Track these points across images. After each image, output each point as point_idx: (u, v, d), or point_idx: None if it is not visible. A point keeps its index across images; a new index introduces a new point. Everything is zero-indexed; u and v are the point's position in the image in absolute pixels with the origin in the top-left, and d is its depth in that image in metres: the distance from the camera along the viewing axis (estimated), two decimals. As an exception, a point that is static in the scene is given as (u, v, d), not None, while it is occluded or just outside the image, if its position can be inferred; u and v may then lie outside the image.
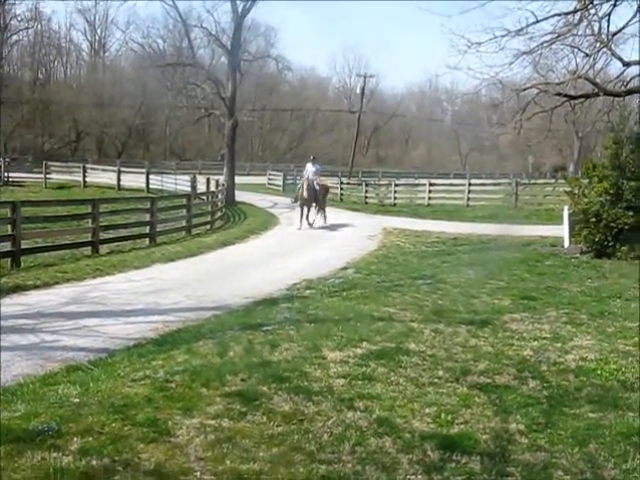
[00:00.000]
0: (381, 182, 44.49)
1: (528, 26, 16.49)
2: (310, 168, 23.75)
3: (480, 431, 4.96)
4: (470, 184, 34.11)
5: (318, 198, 23.34)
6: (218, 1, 54.98)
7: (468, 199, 32.14)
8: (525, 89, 18.73)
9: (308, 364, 6.39)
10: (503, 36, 16.68)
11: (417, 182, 43.67)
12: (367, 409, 5.26)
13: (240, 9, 33.16)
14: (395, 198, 34.96)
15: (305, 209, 22.95)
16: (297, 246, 18.28)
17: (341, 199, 38.31)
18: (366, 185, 39.34)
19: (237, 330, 8.16)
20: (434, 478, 4.19)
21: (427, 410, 5.31)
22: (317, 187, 23.24)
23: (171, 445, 4.45)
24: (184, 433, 4.65)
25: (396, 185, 37.08)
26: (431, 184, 35.35)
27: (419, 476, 4.21)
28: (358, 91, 65.45)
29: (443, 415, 5.20)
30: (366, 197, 37.01)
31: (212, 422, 4.86)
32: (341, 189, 39.92)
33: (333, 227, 23.40)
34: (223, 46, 35.58)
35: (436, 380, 6.07)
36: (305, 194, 22.70)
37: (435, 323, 8.35)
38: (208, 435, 4.62)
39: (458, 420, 5.14)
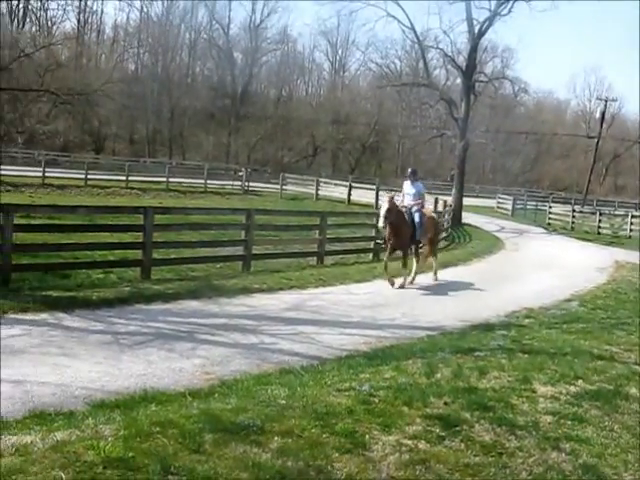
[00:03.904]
0: (617, 212, 41.76)
1: None
2: (408, 189, 14.92)
3: None
4: None
5: (418, 236, 14.40)
6: (455, 22, 55.06)
7: None
8: None
9: (516, 396, 6.12)
10: None
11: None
12: (573, 452, 4.91)
13: (477, 30, 32.98)
14: (631, 230, 32.63)
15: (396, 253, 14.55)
16: (521, 273, 17.65)
17: (572, 228, 36.56)
18: (600, 214, 37.22)
19: (448, 352, 8.05)
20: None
21: (642, 464, 4.85)
22: (418, 219, 14.32)
23: (365, 459, 4.47)
24: (379, 449, 4.65)
25: (633, 217, 34.57)
26: (674, 217, 32.60)
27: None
28: (598, 115, 62.13)
29: (660, 472, 4.72)
30: (599, 227, 34.97)
31: (409, 442, 4.82)
32: (573, 217, 38.11)
33: (559, 256, 22.31)
34: (458, 67, 35.53)
35: (657, 432, 5.54)
36: (389, 229, 13.88)
37: (664, 369, 7.63)
38: (403, 454, 4.59)
39: (678, 480, 4.64)
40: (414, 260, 14.81)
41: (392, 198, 13.96)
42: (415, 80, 54.61)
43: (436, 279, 15.07)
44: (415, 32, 36.24)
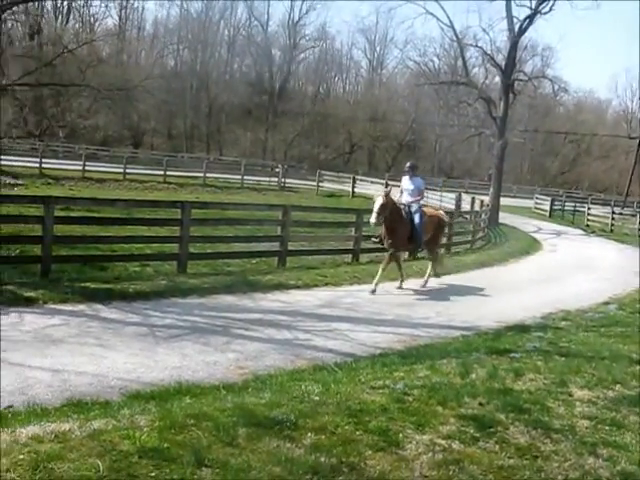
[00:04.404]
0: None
1: None
2: (407, 185, 13.61)
3: None
4: None
5: (417, 237, 13.15)
6: (495, 20, 54.19)
7: None
8: None
9: (552, 399, 6.04)
10: None
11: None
12: (611, 458, 4.81)
13: (517, 28, 32.58)
14: (673, 233, 32.07)
15: (394, 257, 13.14)
16: (558, 275, 17.44)
17: (612, 230, 36.04)
18: (641, 216, 36.68)
19: (483, 353, 7.99)
20: None
21: (683, 471, 4.74)
22: (418, 220, 13.11)
23: (398, 457, 4.45)
24: (413, 448, 4.63)
25: (675, 219, 34.00)
26: None
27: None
28: (640, 115, 61.05)
29: (701, 480, 4.61)
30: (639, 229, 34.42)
31: (442, 442, 4.78)
32: (612, 219, 37.56)
33: (597, 258, 21.99)
34: (497, 65, 35.12)
35: (698, 439, 5.41)
36: (384, 227, 12.87)
37: None
38: (436, 454, 4.56)
39: None
40: (429, 262, 14.24)
41: (388, 193, 12.75)
42: (453, 78, 54.15)
43: (424, 285, 13.71)
44: (454, 30, 35.98)
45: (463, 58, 39.70)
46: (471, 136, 54.14)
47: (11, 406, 5.43)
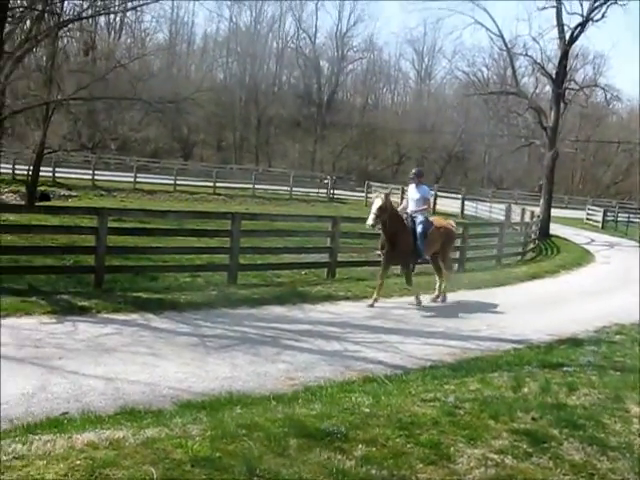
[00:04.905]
0: None
1: None
2: (413, 193, 12.74)
3: None
4: None
5: (418, 248, 12.17)
6: (545, 29, 53.41)
7: None
8: None
9: (607, 415, 5.91)
10: None
11: None
12: (671, 478, 4.69)
13: (568, 36, 32.08)
14: None
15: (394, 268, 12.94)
16: (612, 286, 17.07)
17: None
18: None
19: (535, 367, 7.87)
20: None
21: None
22: (421, 229, 12.15)
23: (449, 471, 4.41)
24: (464, 462, 4.58)
25: None
26: None
27: None
28: (699, 124, 59.48)
29: None
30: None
31: (495, 456, 4.72)
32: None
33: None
34: (548, 74, 34.59)
35: None
36: (384, 235, 11.98)
37: None
38: (489, 469, 4.50)
39: None
40: (436, 275, 13.24)
41: (388, 195, 11.98)
42: (503, 88, 53.42)
43: (435, 299, 12.94)
44: (503, 39, 35.56)
45: (513, 67, 39.24)
46: (521, 146, 53.38)
47: (66, 413, 5.55)
